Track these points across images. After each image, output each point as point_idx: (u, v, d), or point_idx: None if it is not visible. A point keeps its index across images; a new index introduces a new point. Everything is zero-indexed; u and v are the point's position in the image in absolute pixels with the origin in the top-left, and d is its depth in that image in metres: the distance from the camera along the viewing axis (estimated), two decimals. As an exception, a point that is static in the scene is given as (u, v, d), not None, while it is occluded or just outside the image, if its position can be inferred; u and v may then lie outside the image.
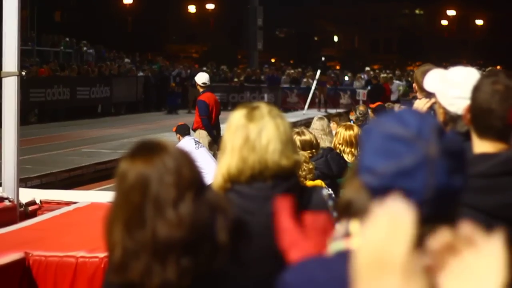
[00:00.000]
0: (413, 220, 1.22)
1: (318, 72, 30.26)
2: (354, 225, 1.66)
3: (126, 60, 35.68)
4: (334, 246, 1.70)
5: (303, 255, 1.88)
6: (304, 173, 5.06)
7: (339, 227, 1.72)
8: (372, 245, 1.22)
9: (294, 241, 2.22)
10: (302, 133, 5.82)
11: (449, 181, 1.57)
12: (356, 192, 1.67)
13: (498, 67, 22.14)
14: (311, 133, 5.98)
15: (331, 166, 5.92)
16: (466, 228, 1.24)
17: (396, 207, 1.24)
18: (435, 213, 1.57)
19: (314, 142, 5.81)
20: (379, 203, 1.25)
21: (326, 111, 28.60)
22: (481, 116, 2.80)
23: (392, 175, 1.56)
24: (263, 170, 2.85)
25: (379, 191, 1.57)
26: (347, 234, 1.68)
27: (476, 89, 2.85)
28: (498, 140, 2.77)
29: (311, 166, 5.32)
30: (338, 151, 6.46)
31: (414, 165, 1.56)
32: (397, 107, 12.42)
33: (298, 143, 5.51)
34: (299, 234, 2.24)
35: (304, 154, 5.31)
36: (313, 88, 30.41)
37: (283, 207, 2.36)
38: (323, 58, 32.38)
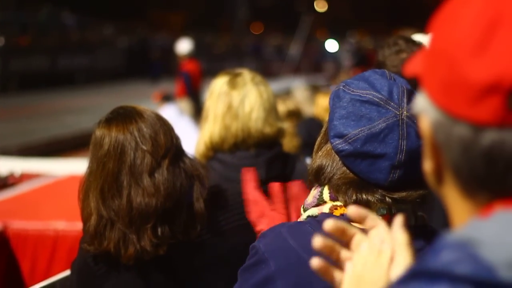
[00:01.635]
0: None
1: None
2: (325, 192, 1.64)
3: (108, 28, 35.41)
4: (306, 213, 1.67)
5: (271, 225, 1.84)
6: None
7: (312, 194, 1.68)
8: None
9: (261, 212, 2.18)
10: (284, 101, 5.78)
11: (420, 144, 1.53)
12: (326, 158, 1.64)
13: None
14: (293, 101, 5.95)
15: (313, 135, 5.88)
16: (355, 210, 1.21)
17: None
18: (407, 178, 1.56)
19: (297, 110, 5.78)
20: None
21: (308, 78, 28.55)
22: None
23: (363, 140, 1.55)
24: (246, 138, 2.81)
25: (350, 156, 1.57)
26: (319, 201, 1.65)
27: (383, 65, 2.81)
28: None
29: (292, 132, 5.27)
30: (319, 119, 6.42)
31: (385, 129, 1.54)
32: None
33: (280, 111, 5.47)
34: (266, 205, 2.20)
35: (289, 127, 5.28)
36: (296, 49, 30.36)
37: (249, 179, 2.31)
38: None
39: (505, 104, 0.85)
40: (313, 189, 1.69)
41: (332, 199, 1.62)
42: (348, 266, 1.20)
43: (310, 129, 5.89)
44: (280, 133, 2.92)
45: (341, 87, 1.64)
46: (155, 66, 31.39)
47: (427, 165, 0.98)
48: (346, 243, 1.21)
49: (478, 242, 0.83)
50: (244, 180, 2.34)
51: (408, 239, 1.16)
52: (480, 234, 0.84)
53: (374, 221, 1.20)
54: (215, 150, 2.89)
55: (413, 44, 2.91)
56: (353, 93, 1.59)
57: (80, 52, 28.67)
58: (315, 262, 1.18)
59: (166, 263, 2.16)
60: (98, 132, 2.17)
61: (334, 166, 1.62)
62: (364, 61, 23.75)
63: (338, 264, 1.21)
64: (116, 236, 2.10)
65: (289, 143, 5.03)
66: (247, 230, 2.25)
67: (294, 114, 5.65)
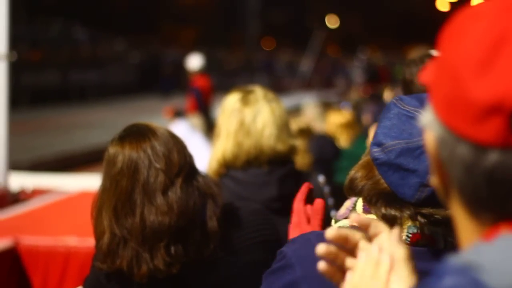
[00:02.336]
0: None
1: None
2: (359, 204, 1.66)
3: (120, 43, 35.54)
4: (337, 224, 1.68)
5: None
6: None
7: (345, 205, 1.71)
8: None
9: (298, 223, 2.20)
10: (296, 120, 5.79)
11: None
12: (362, 169, 1.68)
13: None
14: (305, 117, 5.95)
15: (325, 151, 5.87)
16: (357, 218, 1.21)
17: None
18: (434, 198, 1.52)
19: (308, 127, 5.78)
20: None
21: (320, 94, 28.56)
22: None
23: (398, 152, 1.57)
24: (258, 155, 2.80)
25: (384, 166, 1.59)
26: (352, 212, 1.66)
27: (410, 83, 2.79)
28: None
29: (304, 149, 5.27)
30: (331, 136, 6.42)
31: (423, 147, 1.54)
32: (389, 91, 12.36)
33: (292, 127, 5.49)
34: (304, 218, 2.22)
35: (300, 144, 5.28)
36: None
37: (301, 190, 2.32)
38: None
39: (508, 125, 0.84)
40: (347, 200, 1.71)
41: (366, 211, 1.64)
42: (348, 274, 1.19)
43: (321, 146, 5.88)
44: (292, 150, 2.91)
45: (394, 100, 1.68)
46: (166, 82, 31.47)
47: (434, 180, 0.97)
48: (352, 250, 1.21)
49: (480, 267, 0.82)
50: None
51: (407, 254, 1.16)
52: (483, 258, 0.83)
53: (377, 228, 1.19)
54: (227, 167, 2.88)
55: None
56: (402, 108, 1.63)
57: (91, 67, 28.80)
58: (321, 265, 1.20)
59: (179, 282, 2.15)
60: (112, 150, 2.16)
61: (369, 176, 1.65)
62: (376, 77, 23.76)
63: (344, 270, 1.21)
64: (129, 255, 2.09)
65: (301, 160, 5.02)
66: (261, 248, 2.24)
67: (306, 132, 5.64)
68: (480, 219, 0.89)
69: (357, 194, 1.66)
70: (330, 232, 1.19)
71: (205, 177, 2.21)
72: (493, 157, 0.85)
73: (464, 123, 0.87)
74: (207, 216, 2.15)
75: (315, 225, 2.02)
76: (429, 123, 0.94)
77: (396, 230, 1.17)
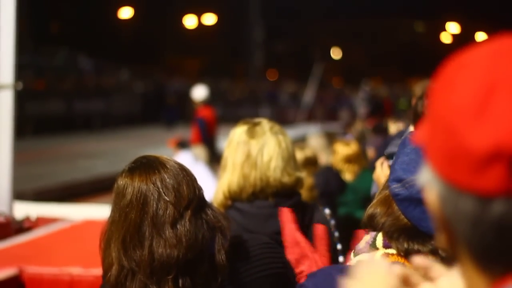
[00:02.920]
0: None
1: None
2: (379, 238, 1.67)
3: (124, 73, 35.69)
4: (356, 258, 1.69)
5: (313, 267, 1.86)
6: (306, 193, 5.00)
7: (364, 239, 1.72)
8: None
9: (304, 253, 2.20)
10: (302, 149, 5.78)
11: None
12: (382, 204, 1.68)
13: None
14: (311, 149, 5.94)
15: (330, 185, 5.86)
16: (420, 260, 1.17)
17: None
18: None
19: (314, 158, 5.77)
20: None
21: (324, 125, 28.61)
22: None
23: (418, 188, 1.55)
24: (264, 187, 2.80)
25: (405, 201, 1.59)
26: (371, 247, 1.67)
27: (422, 115, 2.79)
28: None
29: (310, 181, 5.26)
30: (336, 168, 6.40)
31: None
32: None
33: (298, 158, 5.47)
34: (308, 247, 2.22)
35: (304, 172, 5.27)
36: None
37: (287, 220, 2.31)
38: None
39: (509, 172, 0.82)
40: (366, 234, 1.71)
41: (385, 246, 1.64)
42: None
43: (327, 179, 5.88)
44: (298, 182, 2.92)
45: (409, 135, 1.70)
46: (170, 112, 31.56)
47: (440, 239, 0.95)
48: None
49: None
50: (282, 221, 2.33)
51: None
52: None
53: (441, 270, 1.14)
54: (233, 199, 2.88)
55: None
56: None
57: (96, 96, 28.89)
58: None
59: (186, 315, 2.14)
60: (121, 182, 2.17)
61: (388, 212, 1.65)
62: (380, 109, 23.81)
63: None
64: (137, 287, 2.09)
65: (307, 193, 5.02)
66: (269, 281, 2.24)
67: (312, 163, 5.63)
68: (489, 271, 0.87)
69: (378, 230, 1.67)
70: (396, 270, 1.15)
71: (214, 210, 2.21)
72: (498, 207, 0.83)
73: (464, 175, 0.85)
74: (215, 249, 2.15)
75: (322, 252, 2.03)
76: (428, 182, 0.92)
77: (455, 274, 1.15)
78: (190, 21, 55.50)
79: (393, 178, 1.64)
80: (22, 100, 22.38)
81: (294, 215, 2.44)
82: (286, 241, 2.26)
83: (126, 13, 61.27)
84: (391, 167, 1.68)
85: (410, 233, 1.60)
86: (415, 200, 1.58)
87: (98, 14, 63.07)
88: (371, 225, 1.68)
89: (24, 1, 28.36)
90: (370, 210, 1.70)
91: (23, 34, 31.12)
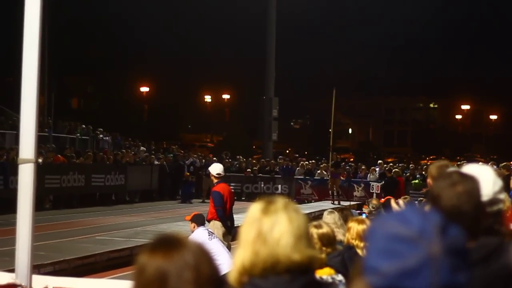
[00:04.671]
0: None
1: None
2: None
3: (142, 148, 35.94)
4: None
5: None
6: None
7: None
8: None
9: None
10: (320, 226, 5.79)
11: (453, 279, 1.59)
12: None
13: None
14: (329, 226, 5.95)
15: (347, 266, 5.85)
16: None
17: None
18: None
19: (332, 235, 5.78)
20: None
21: (339, 203, 28.57)
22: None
23: (396, 275, 1.57)
24: (275, 264, 2.85)
25: None
26: None
27: (438, 198, 2.85)
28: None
29: (323, 256, 5.30)
30: (351, 246, 6.43)
31: (417, 265, 1.57)
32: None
33: (315, 236, 5.53)
34: None
35: (315, 244, 5.32)
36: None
37: None
38: (334, 154, 32.14)
39: None
40: None
41: None
42: None
43: (345, 259, 5.88)
44: (311, 260, 2.97)
45: (376, 221, 1.69)
46: (187, 187, 31.63)
47: None
48: None
49: None
50: None
51: None
52: None
53: None
54: (248, 275, 2.95)
55: (466, 177, 2.96)
56: (386, 228, 1.63)
57: (114, 171, 29.09)
58: None
59: None
60: (142, 259, 2.18)
61: None
62: (394, 187, 23.82)
63: None
64: None
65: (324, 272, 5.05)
66: None
67: (330, 243, 5.66)
68: None
69: None
70: None
71: (231, 287, 2.26)
72: None
73: None
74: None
75: None
76: None
77: None
78: (206, 99, 55.95)
79: (367, 267, 1.62)
80: (41, 175, 22.63)
81: None
82: None
83: (144, 89, 61.91)
84: (364, 256, 1.66)
85: None
86: None
87: (118, 91, 63.79)
88: None
89: (45, 77, 28.86)
90: None
91: (44, 109, 31.56)
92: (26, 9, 5.39)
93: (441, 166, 4.74)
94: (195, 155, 36.92)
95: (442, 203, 2.78)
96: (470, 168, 3.48)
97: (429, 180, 5.23)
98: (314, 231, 5.58)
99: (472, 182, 2.90)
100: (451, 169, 3.43)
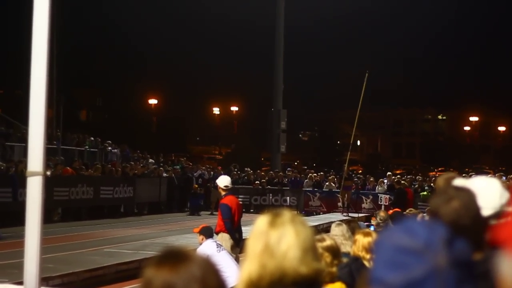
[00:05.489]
0: None
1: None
2: None
3: (150, 160, 35.99)
4: None
5: None
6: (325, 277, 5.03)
7: None
8: None
9: None
10: (322, 240, 5.80)
11: None
12: None
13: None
14: (331, 238, 5.96)
15: (355, 277, 5.86)
16: None
17: None
18: None
19: (335, 247, 5.79)
20: None
21: (348, 215, 28.53)
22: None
23: (402, 287, 1.59)
24: (282, 277, 2.86)
25: None
26: None
27: (435, 214, 2.83)
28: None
29: (333, 270, 5.30)
30: (357, 257, 6.44)
31: (423, 277, 1.58)
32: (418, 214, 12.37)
33: (321, 250, 5.53)
34: None
35: (326, 258, 5.32)
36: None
37: None
38: (345, 166, 32.15)
39: None
40: None
41: None
42: None
43: (352, 270, 5.89)
44: (318, 273, 2.98)
45: (383, 233, 1.71)
46: (195, 199, 31.66)
47: None
48: None
49: None
50: None
51: None
52: None
53: None
54: (255, 288, 2.96)
55: (461, 191, 2.96)
56: (392, 240, 1.65)
57: (122, 183, 29.14)
58: None
59: None
60: (148, 273, 2.19)
61: None
62: (402, 199, 23.77)
63: None
64: None
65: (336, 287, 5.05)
66: None
67: (336, 255, 5.66)
68: None
69: None
70: None
71: None
72: None
73: None
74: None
75: None
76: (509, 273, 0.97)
77: None
78: (215, 111, 56.00)
79: (374, 279, 1.63)
80: (50, 187, 22.68)
81: None
82: None
83: (153, 101, 62.08)
84: (370, 267, 1.68)
85: None
86: None
87: (126, 104, 63.95)
88: None
89: (54, 90, 28.95)
90: None
91: (52, 121, 31.65)
92: (34, 22, 5.42)
93: (449, 178, 4.74)
94: (204, 167, 36.93)
95: (441, 219, 2.78)
96: (477, 181, 3.48)
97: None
98: (319, 245, 5.58)
99: (467, 195, 2.89)
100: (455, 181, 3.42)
